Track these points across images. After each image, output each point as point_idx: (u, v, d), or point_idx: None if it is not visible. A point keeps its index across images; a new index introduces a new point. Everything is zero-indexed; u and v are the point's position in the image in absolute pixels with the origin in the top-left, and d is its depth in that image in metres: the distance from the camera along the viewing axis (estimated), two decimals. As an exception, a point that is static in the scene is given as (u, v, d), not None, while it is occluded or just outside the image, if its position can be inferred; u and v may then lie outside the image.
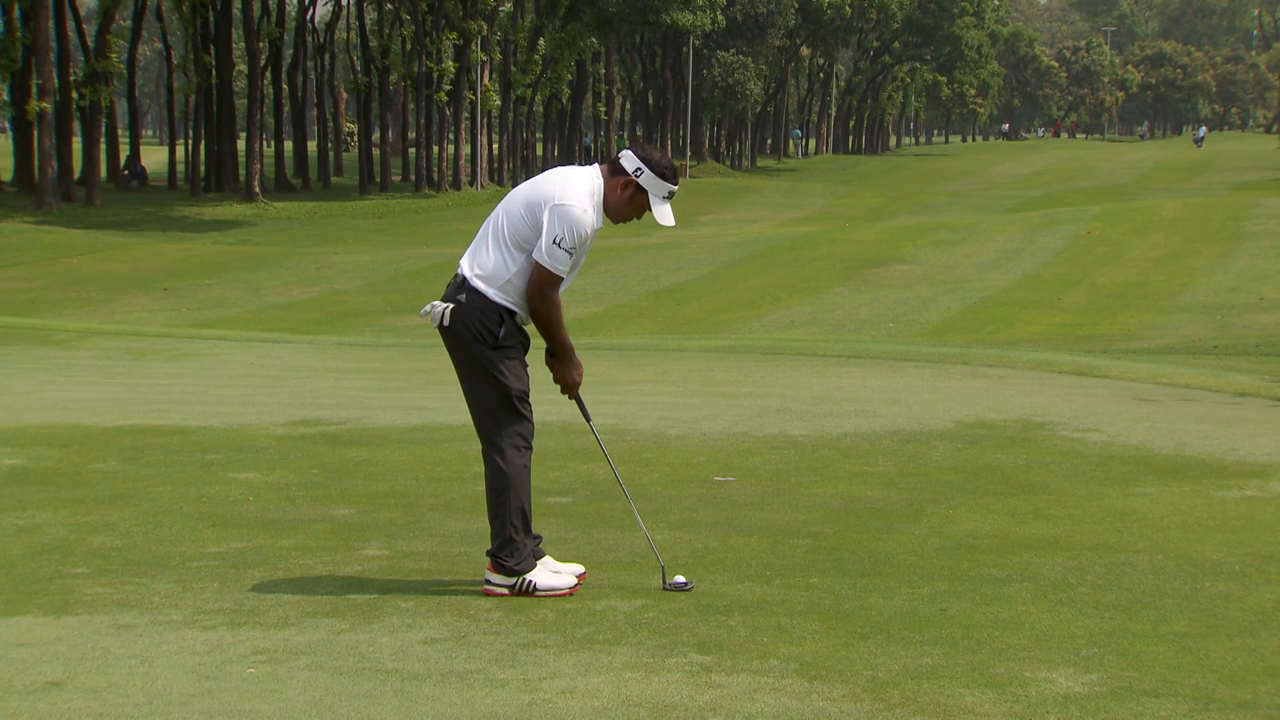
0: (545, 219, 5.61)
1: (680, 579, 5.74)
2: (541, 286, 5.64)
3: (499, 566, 5.71)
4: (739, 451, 8.95)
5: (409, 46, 65.10)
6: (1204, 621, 5.28)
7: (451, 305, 5.70)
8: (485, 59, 67.15)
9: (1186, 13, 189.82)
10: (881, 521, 6.95)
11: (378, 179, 65.95)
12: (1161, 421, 10.17)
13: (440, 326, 5.75)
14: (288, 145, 71.60)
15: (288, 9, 68.75)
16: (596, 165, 5.91)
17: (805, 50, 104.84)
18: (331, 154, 72.99)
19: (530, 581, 5.70)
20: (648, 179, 5.73)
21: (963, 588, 5.73)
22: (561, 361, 5.84)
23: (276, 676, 4.65)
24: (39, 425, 9.91)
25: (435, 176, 65.25)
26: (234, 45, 64.18)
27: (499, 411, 5.75)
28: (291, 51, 70.30)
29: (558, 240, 5.60)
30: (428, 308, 5.77)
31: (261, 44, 60.02)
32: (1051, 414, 10.46)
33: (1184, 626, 5.21)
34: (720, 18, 73.31)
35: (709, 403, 11.16)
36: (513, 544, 5.70)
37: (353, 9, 71.92)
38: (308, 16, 69.25)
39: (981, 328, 25.21)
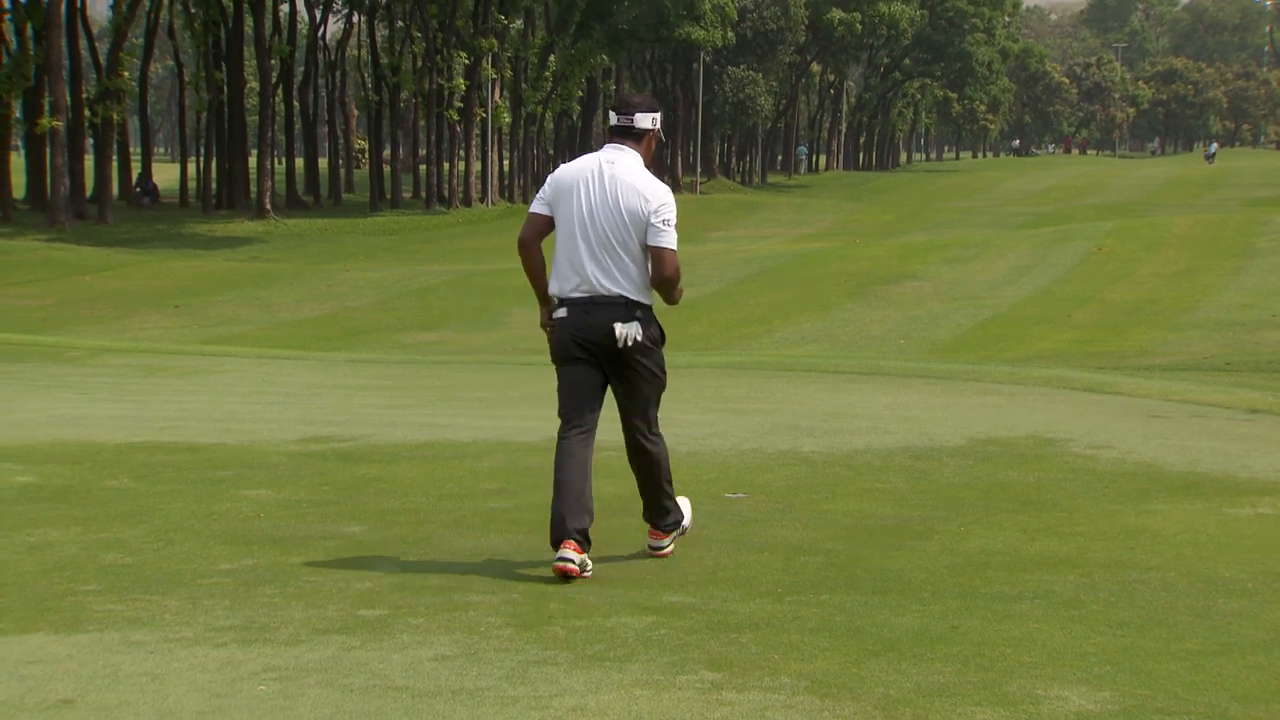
0: (654, 219, 6.20)
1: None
2: (678, 267, 6.31)
3: (666, 529, 6.56)
4: (750, 468, 8.94)
5: (420, 64, 65.31)
6: (1217, 639, 5.26)
7: (636, 323, 6.26)
8: (496, 76, 67.33)
9: (1197, 29, 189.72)
10: (893, 538, 6.94)
11: (388, 196, 66.10)
12: (1173, 438, 10.14)
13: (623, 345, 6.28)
14: (299, 162, 71.73)
15: (299, 26, 69.00)
16: (616, 146, 6.37)
17: (816, 66, 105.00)
18: (342, 171, 73.13)
19: (684, 525, 6.67)
20: (659, 119, 6.49)
21: (974, 605, 5.72)
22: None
23: (287, 694, 4.65)
24: (50, 442, 9.93)
25: (446, 193, 65.38)
26: (245, 63, 64.37)
27: (657, 402, 6.55)
28: (303, 69, 70.53)
29: (670, 221, 6.26)
30: (620, 333, 6.22)
31: (273, 61, 60.25)
32: (1063, 431, 10.44)
33: (1197, 644, 5.20)
34: (730, 34, 73.49)
35: (719, 419, 11.15)
36: (670, 507, 6.57)
37: (364, 26, 72.09)
38: (319, 34, 69.54)
39: (993, 344, 25.18)
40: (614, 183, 6.23)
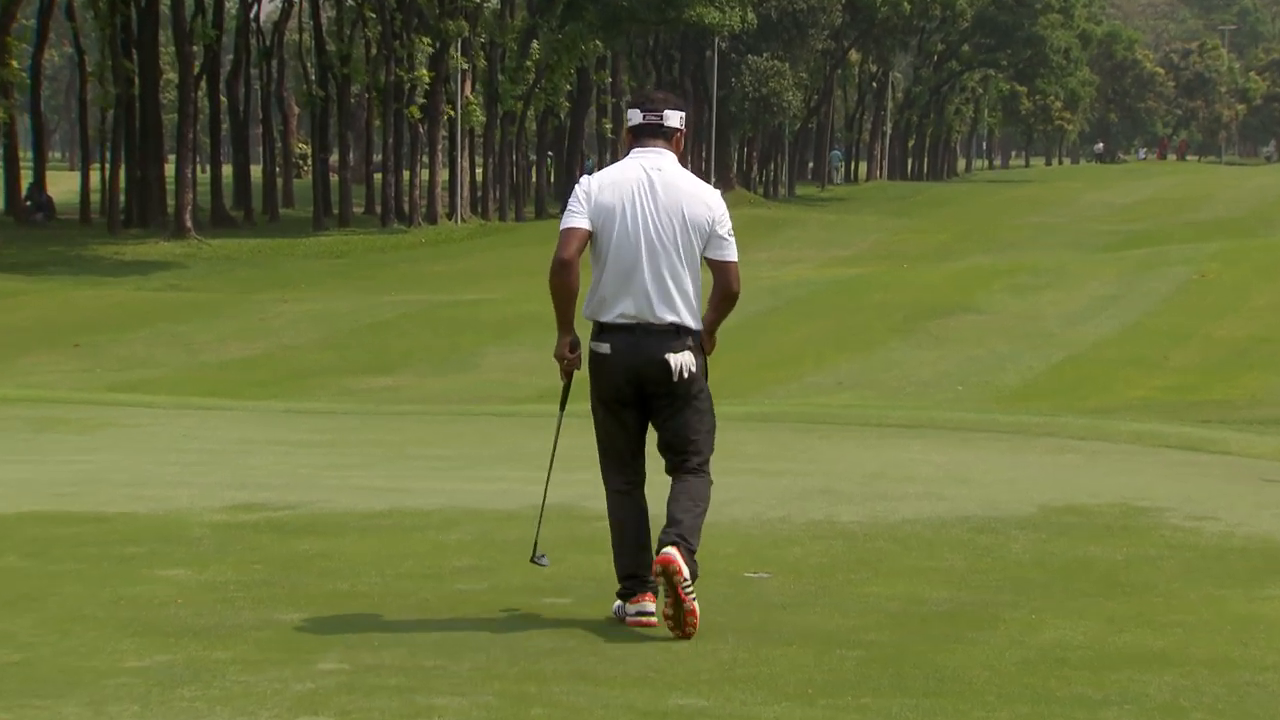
0: (719, 229, 6.75)
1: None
2: (738, 277, 6.85)
3: (690, 558, 6.67)
4: (775, 542, 8.95)
5: (374, 51, 65.57)
6: (1345, 752, 5.27)
7: (688, 352, 6.70)
8: (467, 66, 67.55)
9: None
10: (949, 629, 6.95)
11: (336, 211, 66.22)
12: (1292, 506, 10.15)
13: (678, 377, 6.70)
14: (226, 170, 71.93)
15: (227, 6, 69.29)
16: (653, 150, 6.77)
17: (855, 55, 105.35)
18: (280, 181, 73.30)
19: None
20: (685, 118, 6.96)
21: (1050, 711, 5.72)
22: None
23: (210, 818, 4.65)
24: (-77, 511, 9.93)
25: (406, 208, 65.54)
26: (162, 49, 64.65)
27: (714, 435, 6.95)
28: (232, 57, 70.80)
29: (731, 231, 6.82)
30: (675, 364, 6.66)
31: (195, 48, 60.44)
32: (1157, 498, 10.45)
33: (1321, 758, 5.20)
34: (751, 16, 73.64)
35: (739, 482, 11.16)
36: (694, 550, 6.75)
37: (306, 6, 72.42)
38: (251, 15, 69.73)
39: (1071, 391, 25.21)
40: (672, 192, 6.69)
